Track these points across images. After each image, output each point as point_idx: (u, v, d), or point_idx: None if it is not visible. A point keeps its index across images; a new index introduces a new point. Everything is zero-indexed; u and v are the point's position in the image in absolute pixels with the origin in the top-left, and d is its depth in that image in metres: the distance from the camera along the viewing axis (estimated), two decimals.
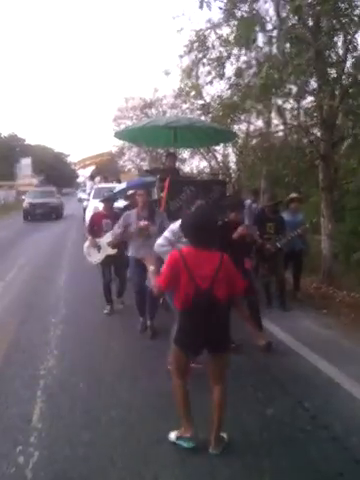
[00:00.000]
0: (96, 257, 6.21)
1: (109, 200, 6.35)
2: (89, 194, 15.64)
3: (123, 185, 8.05)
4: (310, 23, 7.65)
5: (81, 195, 20.17)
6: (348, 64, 8.12)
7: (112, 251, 5.99)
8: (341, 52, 8.22)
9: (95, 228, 6.26)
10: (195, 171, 18.91)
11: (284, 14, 7.83)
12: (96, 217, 6.42)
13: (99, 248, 6.13)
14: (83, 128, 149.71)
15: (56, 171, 62.25)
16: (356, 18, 7.38)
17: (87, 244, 6.27)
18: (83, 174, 18.30)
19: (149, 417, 3.38)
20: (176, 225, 4.03)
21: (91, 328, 5.61)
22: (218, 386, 2.97)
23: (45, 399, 3.71)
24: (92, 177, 19.87)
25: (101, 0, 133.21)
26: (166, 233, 4.16)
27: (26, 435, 3.15)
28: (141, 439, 3.09)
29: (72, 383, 3.99)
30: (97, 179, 17.78)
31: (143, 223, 5.02)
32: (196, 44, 8.14)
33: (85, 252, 6.30)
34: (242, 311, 3.22)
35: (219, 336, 2.94)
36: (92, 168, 22.51)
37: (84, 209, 16.02)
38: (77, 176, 66.73)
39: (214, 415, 2.94)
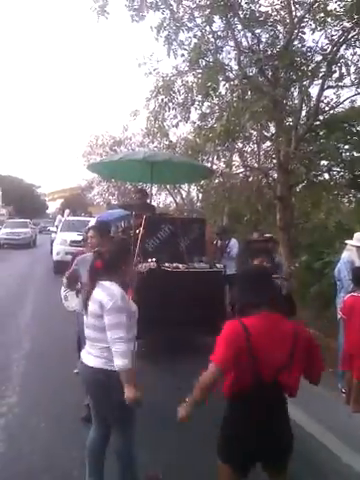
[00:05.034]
0: (74, 302, 5.11)
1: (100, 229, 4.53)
2: (57, 227, 16.10)
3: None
4: (269, 74, 8.25)
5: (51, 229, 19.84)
6: (303, 113, 8.82)
7: None
8: (297, 102, 8.92)
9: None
10: (162, 206, 19.37)
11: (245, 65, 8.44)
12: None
13: (79, 292, 4.95)
14: (54, 161, 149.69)
15: (26, 202, 61.43)
16: (309, 72, 8.07)
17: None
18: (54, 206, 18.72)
19: (110, 459, 3.34)
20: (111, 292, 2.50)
21: (55, 365, 5.40)
22: None
23: (4, 439, 3.61)
24: (62, 210, 20.27)
25: (75, 38, 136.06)
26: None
27: None
28: None
29: (33, 422, 3.88)
30: (66, 212, 18.12)
31: None
32: (162, 89, 8.53)
33: (62, 295, 5.36)
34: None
35: (282, 439, 2.08)
36: (61, 201, 22.90)
37: (51, 241, 16.21)
38: (47, 207, 66.58)
39: None
